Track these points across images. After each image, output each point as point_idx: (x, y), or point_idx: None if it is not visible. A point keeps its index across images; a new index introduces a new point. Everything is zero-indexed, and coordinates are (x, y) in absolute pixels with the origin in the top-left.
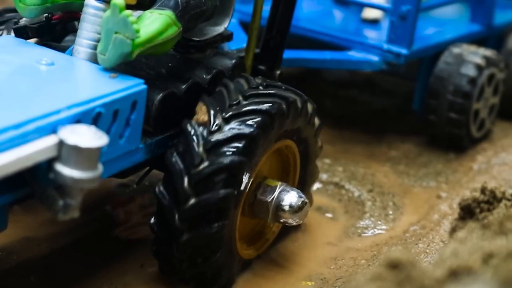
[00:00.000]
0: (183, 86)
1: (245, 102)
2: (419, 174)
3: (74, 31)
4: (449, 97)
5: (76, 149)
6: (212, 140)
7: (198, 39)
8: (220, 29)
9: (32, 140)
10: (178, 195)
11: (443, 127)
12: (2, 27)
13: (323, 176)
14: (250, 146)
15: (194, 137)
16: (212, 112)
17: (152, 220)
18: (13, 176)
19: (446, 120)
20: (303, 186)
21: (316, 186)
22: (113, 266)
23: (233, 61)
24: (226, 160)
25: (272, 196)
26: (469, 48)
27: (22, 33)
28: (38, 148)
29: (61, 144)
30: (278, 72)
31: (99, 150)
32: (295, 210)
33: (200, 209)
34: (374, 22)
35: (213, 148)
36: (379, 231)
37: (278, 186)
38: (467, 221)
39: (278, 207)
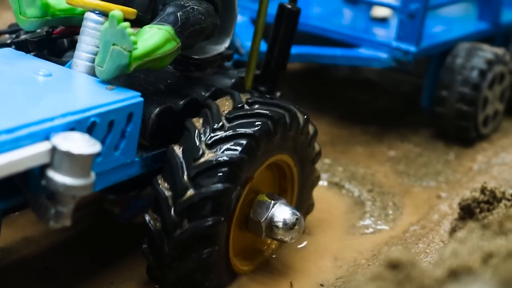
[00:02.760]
0: (181, 102)
1: (229, 125)
2: (419, 174)
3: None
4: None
5: (68, 155)
6: (197, 167)
7: (198, 57)
8: (220, 48)
9: (25, 145)
10: (166, 225)
11: (454, 103)
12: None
13: (323, 176)
14: (234, 171)
15: (180, 162)
16: (196, 136)
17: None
18: (6, 184)
19: (458, 96)
20: (303, 192)
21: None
22: (113, 265)
23: (233, 80)
24: (212, 188)
25: (266, 215)
26: (481, 44)
27: (22, 46)
28: (30, 154)
29: (54, 150)
30: (278, 93)
31: (92, 157)
32: (290, 227)
33: (190, 236)
34: (383, 20)
35: (198, 175)
36: (379, 231)
37: (271, 204)
38: (467, 221)
39: (272, 224)
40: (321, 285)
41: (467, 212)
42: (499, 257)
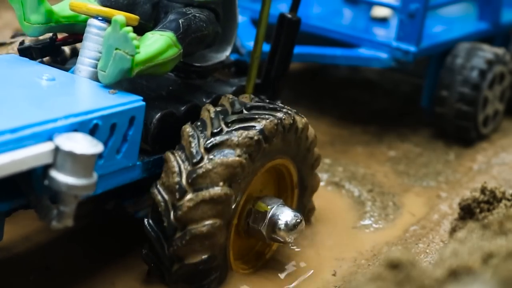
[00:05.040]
0: (183, 108)
1: (228, 129)
2: (419, 174)
3: (78, 54)
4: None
5: (71, 155)
6: (195, 170)
7: (199, 64)
8: (222, 56)
9: (28, 145)
10: (166, 229)
11: (454, 103)
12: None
13: (323, 176)
14: (232, 174)
15: (178, 166)
16: (194, 141)
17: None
18: (9, 185)
19: (458, 96)
20: (303, 198)
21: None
22: (114, 265)
23: (234, 88)
24: (210, 191)
25: (264, 222)
26: (481, 44)
27: (27, 53)
28: (33, 153)
29: (56, 150)
30: (279, 102)
31: (94, 157)
32: (291, 228)
33: (190, 240)
34: (383, 21)
35: (197, 179)
36: (379, 231)
37: (268, 211)
38: (467, 221)
39: (274, 227)
40: (321, 285)
41: (467, 212)
42: (499, 257)
